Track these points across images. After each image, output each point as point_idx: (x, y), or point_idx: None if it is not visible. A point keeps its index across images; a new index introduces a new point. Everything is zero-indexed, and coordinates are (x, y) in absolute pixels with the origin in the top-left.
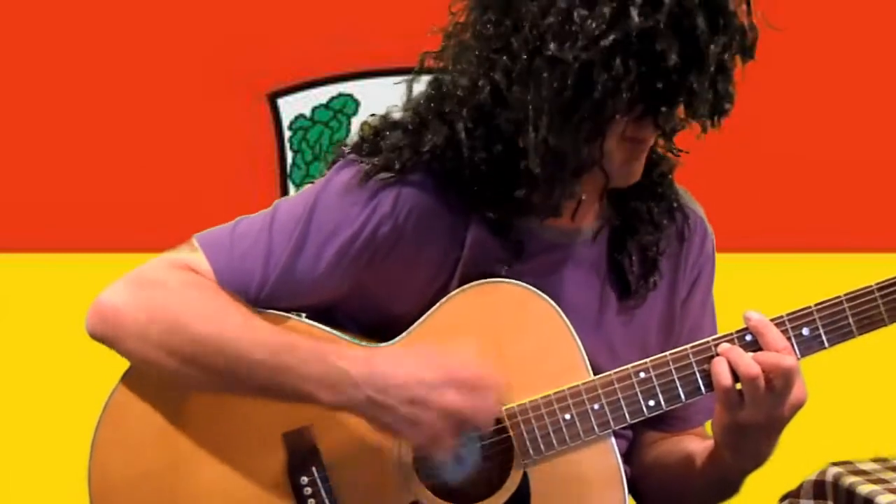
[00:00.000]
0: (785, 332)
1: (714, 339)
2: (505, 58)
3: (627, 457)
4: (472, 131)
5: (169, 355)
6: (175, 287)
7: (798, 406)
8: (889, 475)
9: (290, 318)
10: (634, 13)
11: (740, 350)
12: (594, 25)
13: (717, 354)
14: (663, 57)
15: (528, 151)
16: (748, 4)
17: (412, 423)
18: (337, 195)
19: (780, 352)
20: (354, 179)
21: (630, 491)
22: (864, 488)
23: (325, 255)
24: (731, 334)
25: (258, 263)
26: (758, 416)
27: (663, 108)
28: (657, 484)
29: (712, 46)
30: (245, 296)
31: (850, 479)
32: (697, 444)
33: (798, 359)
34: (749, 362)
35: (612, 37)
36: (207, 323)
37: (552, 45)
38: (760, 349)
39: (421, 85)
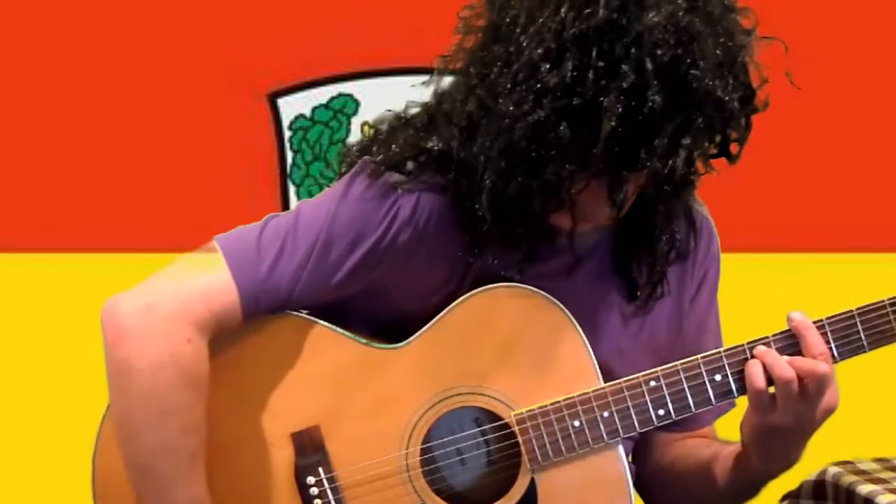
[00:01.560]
0: (795, 344)
1: (727, 350)
2: (481, 90)
3: (636, 457)
4: (462, 145)
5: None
6: (173, 381)
7: (829, 412)
8: (889, 475)
9: (297, 316)
10: (590, 82)
11: (776, 353)
12: (551, 86)
13: (751, 357)
14: (609, 131)
15: (480, 194)
16: (734, 75)
17: None
18: (357, 202)
19: (818, 357)
20: (374, 186)
21: (638, 491)
22: (864, 488)
23: (347, 262)
24: (767, 338)
25: (284, 274)
26: (788, 420)
27: (613, 174)
28: (672, 487)
29: (666, 124)
30: (274, 300)
31: (849, 479)
32: (717, 448)
33: (837, 361)
34: (784, 366)
35: (562, 102)
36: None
37: (511, 95)
38: (792, 355)
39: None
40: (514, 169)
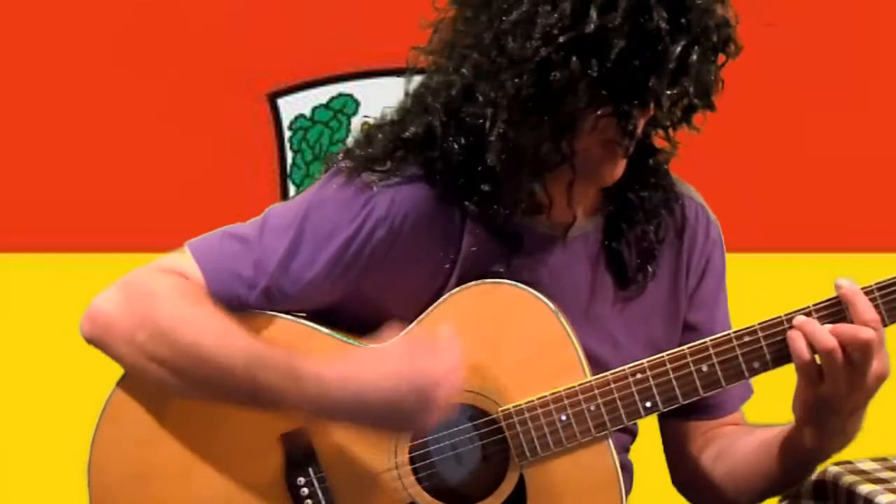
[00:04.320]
0: (782, 332)
1: (712, 339)
2: (475, 54)
3: (667, 451)
4: (446, 124)
5: (152, 361)
6: (163, 294)
7: (881, 378)
8: (889, 475)
9: (281, 317)
10: (594, 12)
11: (816, 323)
12: (553, 23)
13: (792, 327)
14: (619, 56)
15: (489, 146)
16: (722, 1)
17: (392, 415)
18: (331, 199)
19: (869, 323)
20: (348, 183)
21: (681, 490)
22: (864, 488)
23: (319, 259)
24: (808, 307)
25: (248, 268)
26: (839, 390)
27: (625, 107)
28: (725, 483)
29: (672, 46)
30: (237, 301)
31: (850, 479)
32: (761, 434)
33: (887, 325)
34: (825, 335)
35: (569, 35)
36: (187, 333)
37: (512, 43)
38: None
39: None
40: (526, 115)
